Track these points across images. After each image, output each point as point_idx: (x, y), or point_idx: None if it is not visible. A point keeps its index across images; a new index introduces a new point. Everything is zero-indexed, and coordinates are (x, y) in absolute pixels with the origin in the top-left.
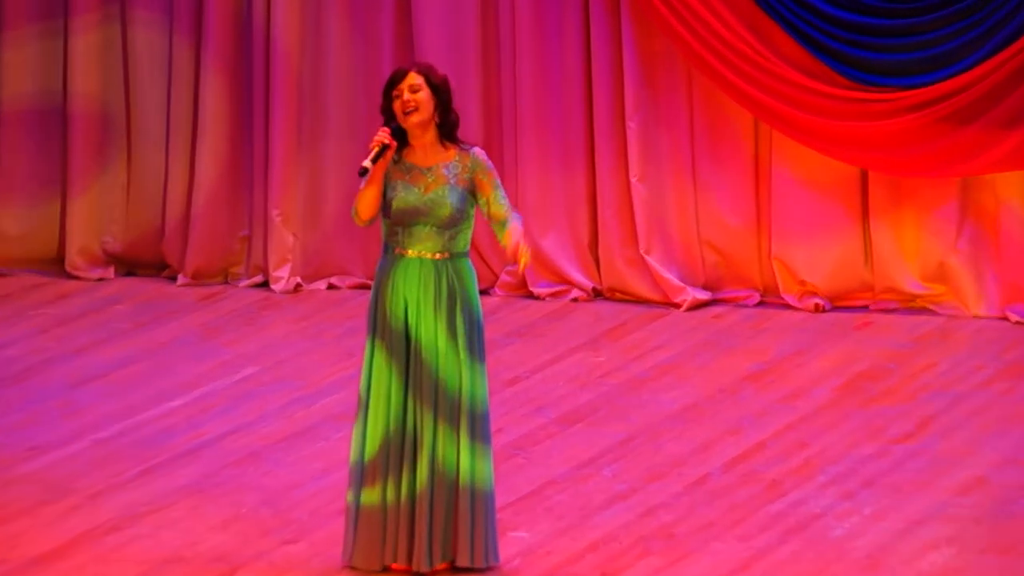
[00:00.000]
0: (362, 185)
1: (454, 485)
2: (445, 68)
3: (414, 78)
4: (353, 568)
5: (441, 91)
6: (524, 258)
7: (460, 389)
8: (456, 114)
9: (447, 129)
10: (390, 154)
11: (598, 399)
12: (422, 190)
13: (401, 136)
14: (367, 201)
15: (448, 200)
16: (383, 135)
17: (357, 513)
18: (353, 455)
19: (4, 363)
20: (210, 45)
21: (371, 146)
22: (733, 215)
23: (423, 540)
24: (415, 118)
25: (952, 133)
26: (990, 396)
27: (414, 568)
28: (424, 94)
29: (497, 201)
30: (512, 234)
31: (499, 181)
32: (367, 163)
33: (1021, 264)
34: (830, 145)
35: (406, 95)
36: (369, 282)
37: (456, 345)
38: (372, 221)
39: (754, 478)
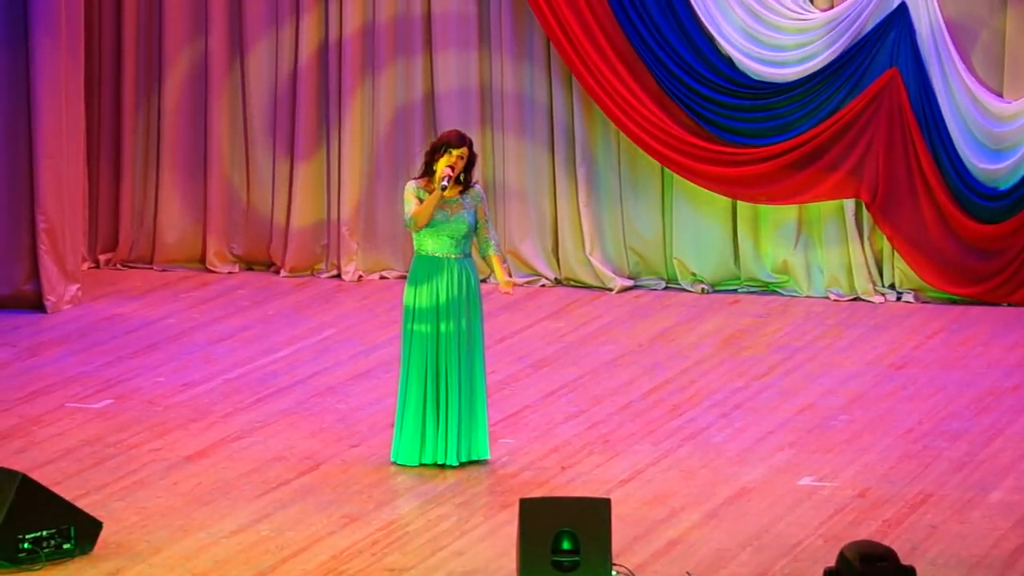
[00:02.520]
0: (419, 207)
1: (474, 404)
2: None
3: (464, 151)
4: (397, 464)
5: (471, 162)
6: (510, 288)
7: (471, 341)
8: (472, 176)
9: (465, 181)
10: (449, 185)
11: (558, 351)
12: (449, 214)
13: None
14: (426, 216)
15: (466, 221)
16: (449, 171)
17: (402, 428)
18: (400, 391)
19: (166, 328)
20: (302, 120)
21: (441, 175)
22: (647, 229)
23: (444, 442)
24: (453, 175)
25: (792, 175)
26: (816, 349)
27: (437, 461)
28: (463, 163)
29: (485, 225)
30: (505, 271)
31: (487, 209)
32: (444, 183)
33: (836, 260)
34: (711, 183)
35: (455, 158)
36: (406, 274)
37: (468, 313)
38: (420, 230)
39: (661, 403)
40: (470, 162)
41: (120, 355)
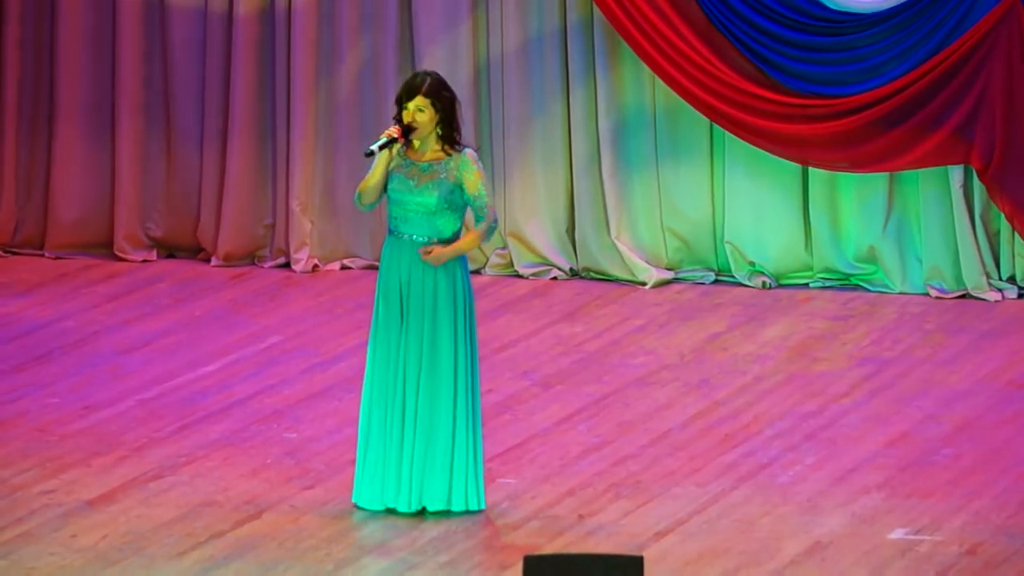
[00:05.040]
0: (367, 173)
1: (445, 438)
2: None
3: (422, 101)
4: (360, 508)
5: (445, 110)
6: (430, 256)
7: (441, 358)
8: (458, 126)
9: (447, 137)
10: (395, 148)
11: (575, 364)
12: (416, 183)
13: (406, 134)
14: (371, 189)
15: (436, 192)
16: (393, 130)
17: (363, 462)
18: (362, 414)
19: (61, 334)
20: (239, 60)
21: (381, 135)
22: (691, 205)
23: (397, 481)
24: (414, 135)
25: (881, 134)
26: (913, 361)
27: (388, 505)
28: (427, 115)
29: (479, 202)
30: (465, 241)
31: (483, 180)
32: (374, 147)
33: (939, 246)
34: (775, 145)
35: (412, 112)
36: (376, 263)
37: (439, 318)
38: (372, 206)
39: (710, 432)
40: (445, 110)
41: (1, 368)
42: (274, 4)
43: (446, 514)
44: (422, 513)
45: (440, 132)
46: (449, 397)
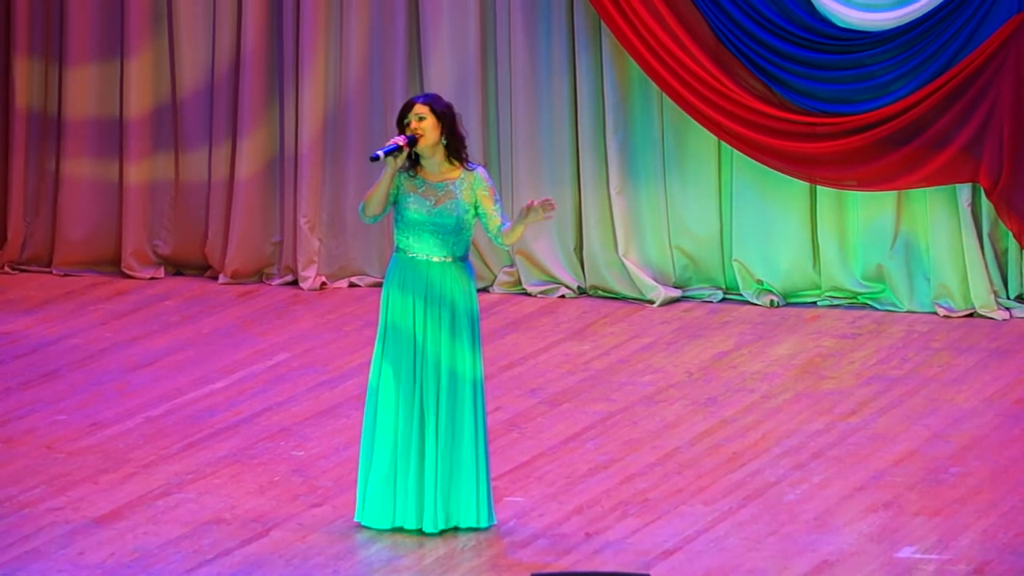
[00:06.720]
0: (373, 187)
1: (458, 456)
2: (450, 98)
3: (420, 108)
4: (366, 528)
5: (445, 117)
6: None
7: (461, 375)
8: (462, 136)
9: (453, 149)
10: (401, 157)
11: (583, 382)
12: (433, 203)
13: (411, 144)
14: (376, 200)
15: (455, 213)
16: (399, 138)
17: (368, 481)
18: (365, 432)
19: (68, 351)
20: (247, 79)
21: (388, 142)
22: (699, 223)
23: (418, 501)
24: (422, 143)
25: (889, 153)
26: (921, 380)
27: (407, 526)
28: (429, 122)
29: (495, 215)
30: (516, 227)
31: (498, 196)
32: (380, 152)
33: (947, 265)
34: (783, 163)
35: (413, 123)
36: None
37: (457, 335)
38: (377, 219)
39: (717, 451)
40: (446, 118)
41: (9, 385)
42: (282, 22)
43: (455, 531)
44: (443, 532)
45: (446, 143)
46: (471, 415)
